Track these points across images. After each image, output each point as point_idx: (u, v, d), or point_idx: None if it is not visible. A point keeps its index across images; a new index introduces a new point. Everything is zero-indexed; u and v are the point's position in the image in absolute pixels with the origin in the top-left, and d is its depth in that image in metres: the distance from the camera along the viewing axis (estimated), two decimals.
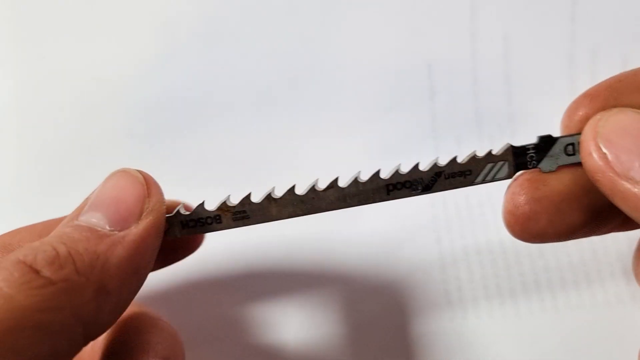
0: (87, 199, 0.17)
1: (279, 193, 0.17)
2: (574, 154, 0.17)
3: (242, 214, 0.17)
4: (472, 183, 0.18)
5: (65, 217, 0.18)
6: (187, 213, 0.17)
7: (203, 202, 0.17)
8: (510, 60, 0.26)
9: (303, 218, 0.17)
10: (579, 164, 0.17)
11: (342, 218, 0.25)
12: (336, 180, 0.17)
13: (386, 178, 0.17)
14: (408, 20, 0.26)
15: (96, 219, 0.16)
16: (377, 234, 0.26)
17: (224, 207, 0.17)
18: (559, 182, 0.17)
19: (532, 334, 0.25)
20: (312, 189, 0.17)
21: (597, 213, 0.17)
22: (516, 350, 0.25)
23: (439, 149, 0.26)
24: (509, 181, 0.18)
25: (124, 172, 0.17)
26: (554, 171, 0.18)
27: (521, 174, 0.18)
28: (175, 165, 0.27)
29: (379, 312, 0.26)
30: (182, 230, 0.17)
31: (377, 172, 0.17)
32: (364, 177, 0.17)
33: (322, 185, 0.17)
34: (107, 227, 0.16)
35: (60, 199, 0.26)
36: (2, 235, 0.18)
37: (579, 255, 0.25)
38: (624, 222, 0.18)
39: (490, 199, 0.26)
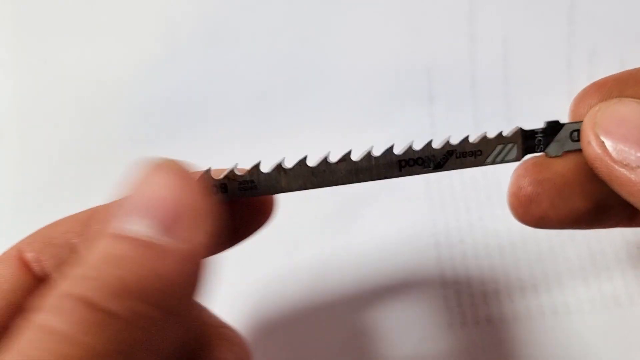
0: (123, 199, 0.14)
1: (289, 164, 0.17)
2: (579, 140, 0.18)
3: (250, 184, 0.17)
4: (482, 163, 0.18)
5: (98, 209, 0.16)
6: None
7: (209, 169, 0.17)
8: (509, 63, 0.26)
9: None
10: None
11: (339, 224, 0.25)
12: (349, 153, 0.17)
13: (399, 154, 0.17)
14: (407, 23, 0.27)
15: (145, 228, 0.13)
16: (376, 239, 0.26)
17: (231, 175, 0.17)
18: (563, 167, 0.18)
19: (529, 337, 0.25)
20: (324, 161, 0.17)
21: (601, 202, 0.18)
22: (516, 355, 0.25)
23: None
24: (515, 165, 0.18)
25: (168, 166, 0.14)
26: (559, 156, 0.18)
27: (527, 159, 0.18)
28: None
29: (375, 318, 0.25)
30: None
31: (391, 148, 0.17)
32: (377, 152, 0.17)
33: (334, 158, 0.17)
34: (160, 237, 0.13)
35: (61, 201, 0.26)
36: (43, 227, 0.17)
37: (579, 262, 0.25)
38: (631, 217, 0.19)
39: (489, 199, 0.26)
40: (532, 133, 0.18)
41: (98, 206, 0.17)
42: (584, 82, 0.26)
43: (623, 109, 0.16)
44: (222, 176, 0.17)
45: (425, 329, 0.25)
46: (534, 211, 0.17)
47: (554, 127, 0.18)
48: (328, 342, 0.25)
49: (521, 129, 0.18)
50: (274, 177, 0.17)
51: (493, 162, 0.18)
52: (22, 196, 0.26)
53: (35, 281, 0.17)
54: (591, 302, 0.25)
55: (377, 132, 0.26)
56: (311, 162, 0.17)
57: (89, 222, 0.16)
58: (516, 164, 0.18)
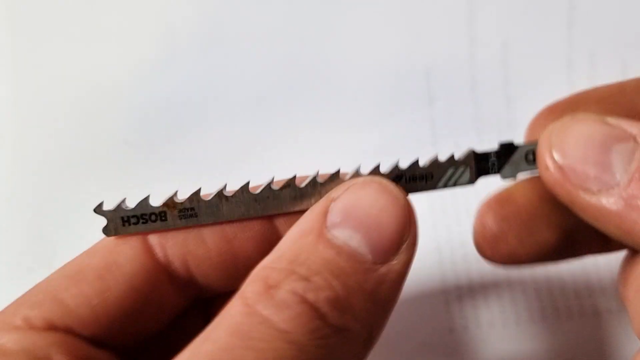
0: (330, 201, 0.14)
1: (231, 190, 0.16)
2: (534, 162, 0.17)
3: (190, 211, 0.16)
4: (434, 187, 0.17)
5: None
6: (129, 208, 0.16)
7: (147, 197, 0.16)
8: (508, 65, 0.26)
9: None
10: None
11: None
12: (293, 179, 0.16)
13: (346, 179, 0.17)
14: (407, 26, 0.26)
15: (356, 243, 0.13)
16: None
17: (170, 202, 0.16)
18: (526, 200, 0.17)
19: (532, 341, 0.24)
20: (268, 188, 0.16)
21: (570, 231, 0.17)
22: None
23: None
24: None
25: (384, 189, 0.15)
26: (514, 178, 0.17)
27: (490, 195, 0.17)
28: (172, 169, 0.26)
29: None
30: (121, 228, 0.16)
31: (337, 172, 0.16)
32: (323, 177, 0.16)
33: (278, 184, 0.16)
34: (370, 257, 0.13)
35: (56, 203, 0.26)
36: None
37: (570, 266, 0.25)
38: (603, 243, 0.18)
39: None
40: (485, 155, 0.17)
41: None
42: (584, 84, 0.25)
43: (579, 127, 0.15)
44: (160, 203, 0.16)
45: (426, 334, 0.24)
46: (501, 249, 0.16)
47: (507, 149, 0.17)
48: None
49: (473, 152, 0.17)
50: (215, 204, 0.16)
51: (445, 186, 0.17)
52: (17, 198, 0.26)
53: (156, 266, 0.16)
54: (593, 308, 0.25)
55: (376, 133, 0.26)
56: (254, 189, 0.16)
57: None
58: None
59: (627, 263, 0.17)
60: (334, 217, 0.14)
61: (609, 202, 0.14)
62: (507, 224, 0.16)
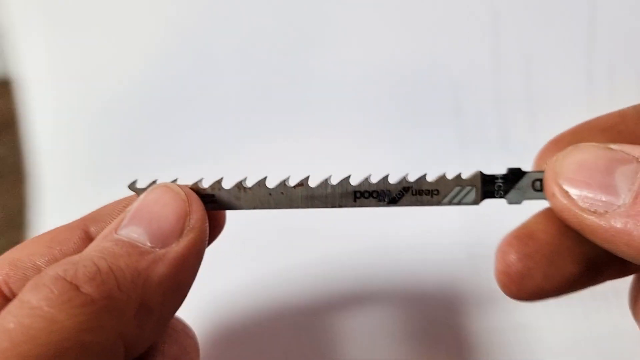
0: (126, 212, 0.16)
1: (249, 183, 0.18)
2: (540, 190, 0.18)
3: (211, 197, 0.18)
4: (438, 203, 0.18)
5: (70, 225, 0.18)
6: None
7: (175, 180, 0.18)
8: (531, 78, 0.27)
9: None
10: (546, 201, 0.17)
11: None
12: (307, 178, 0.18)
13: (355, 185, 0.18)
14: (433, 40, 0.27)
15: (137, 234, 0.16)
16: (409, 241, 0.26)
17: (194, 188, 0.18)
18: (548, 235, 0.17)
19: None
20: (282, 184, 0.18)
21: (592, 261, 0.17)
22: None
23: (466, 165, 0.26)
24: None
25: (166, 188, 0.17)
26: (519, 204, 0.18)
27: (507, 234, 0.18)
28: (173, 165, 0.28)
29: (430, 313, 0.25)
30: None
31: (347, 178, 0.18)
32: (335, 180, 0.18)
33: (292, 182, 0.18)
34: (148, 244, 0.16)
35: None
36: (10, 251, 0.18)
37: None
38: (621, 269, 0.18)
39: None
40: (492, 178, 0.18)
41: (60, 226, 0.19)
42: (604, 96, 0.25)
43: (580, 154, 0.16)
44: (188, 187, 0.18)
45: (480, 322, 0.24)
46: (527, 286, 0.17)
47: (515, 174, 0.18)
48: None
49: (481, 173, 0.18)
50: (234, 194, 0.18)
51: (450, 203, 0.18)
52: None
53: (4, 302, 0.17)
54: None
55: (401, 146, 0.27)
56: (270, 184, 0.18)
57: (52, 244, 0.17)
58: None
59: (637, 282, 0.17)
60: (124, 221, 0.16)
61: (617, 222, 0.15)
62: (532, 260, 0.17)
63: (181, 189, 0.17)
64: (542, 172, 0.18)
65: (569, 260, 0.17)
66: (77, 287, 0.14)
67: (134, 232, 0.16)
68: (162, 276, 0.15)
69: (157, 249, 0.15)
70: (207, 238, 0.17)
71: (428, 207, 0.18)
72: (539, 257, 0.17)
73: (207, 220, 0.17)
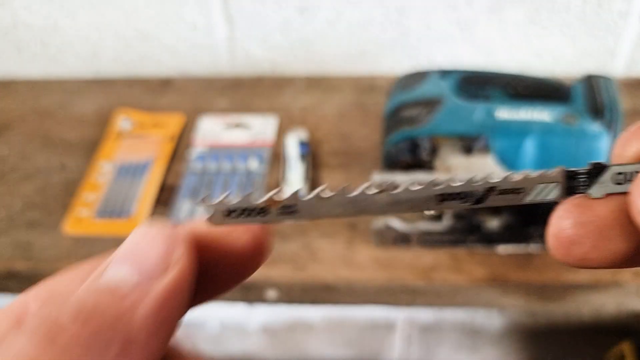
0: (113, 255, 0.16)
1: (328, 193, 0.17)
2: (623, 183, 0.17)
3: (291, 208, 0.17)
4: (522, 201, 0.18)
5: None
6: (233, 202, 0.17)
7: (250, 193, 0.17)
8: None
9: None
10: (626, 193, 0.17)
11: None
12: (390, 185, 0.17)
13: (439, 188, 0.17)
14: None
15: (122, 274, 0.16)
16: None
17: (270, 200, 0.17)
18: (605, 208, 0.17)
19: None
20: (363, 192, 0.17)
21: None
22: None
23: None
24: None
25: (149, 226, 0.17)
26: (601, 198, 0.18)
27: (568, 199, 0.18)
28: None
29: None
30: (224, 219, 0.17)
31: (432, 181, 0.17)
32: (417, 185, 0.17)
33: (373, 190, 0.17)
34: (135, 279, 0.16)
35: None
36: (48, 281, 0.17)
37: None
38: None
39: None
40: (575, 174, 0.18)
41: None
42: None
43: None
44: (263, 200, 0.17)
45: None
46: (575, 253, 0.17)
47: (598, 169, 0.18)
48: None
49: (564, 169, 0.18)
50: (314, 204, 0.17)
51: (533, 201, 0.18)
52: None
53: None
54: None
55: None
56: (350, 193, 0.17)
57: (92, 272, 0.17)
58: None
59: None
60: (109, 266, 0.16)
61: None
62: (584, 229, 0.17)
63: (165, 225, 0.17)
64: (624, 165, 0.17)
65: (621, 237, 0.17)
66: (61, 326, 0.14)
67: (118, 272, 0.16)
68: (146, 312, 0.15)
69: (142, 286, 0.15)
70: (194, 272, 0.16)
71: (511, 205, 0.18)
72: (591, 227, 0.17)
73: (192, 254, 0.17)
